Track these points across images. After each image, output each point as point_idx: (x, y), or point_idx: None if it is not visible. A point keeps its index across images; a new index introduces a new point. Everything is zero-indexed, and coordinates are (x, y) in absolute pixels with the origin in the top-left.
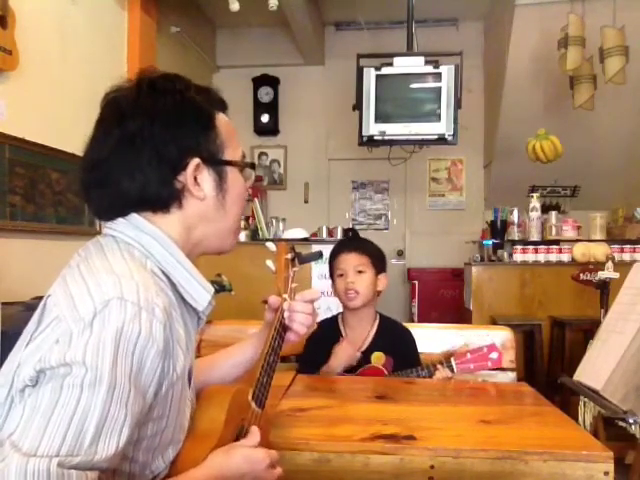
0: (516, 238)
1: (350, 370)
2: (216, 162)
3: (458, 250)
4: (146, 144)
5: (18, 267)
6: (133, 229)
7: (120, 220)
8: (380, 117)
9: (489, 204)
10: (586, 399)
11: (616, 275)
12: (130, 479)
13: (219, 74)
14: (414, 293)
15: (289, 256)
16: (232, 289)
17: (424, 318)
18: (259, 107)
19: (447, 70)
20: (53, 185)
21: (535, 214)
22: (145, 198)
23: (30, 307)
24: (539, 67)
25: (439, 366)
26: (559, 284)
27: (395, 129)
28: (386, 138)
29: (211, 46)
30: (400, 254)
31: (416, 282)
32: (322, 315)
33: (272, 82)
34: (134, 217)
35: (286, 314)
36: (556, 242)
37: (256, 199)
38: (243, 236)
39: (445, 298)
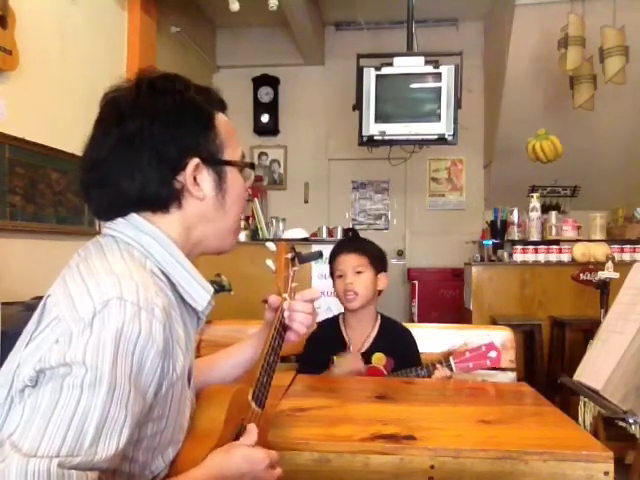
0: (516, 238)
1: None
2: (216, 162)
3: (458, 250)
4: (145, 144)
5: (18, 267)
6: (133, 229)
7: (120, 220)
8: (380, 117)
9: (489, 204)
10: (586, 399)
11: (616, 275)
12: (130, 479)
13: (219, 74)
14: (414, 293)
15: (289, 256)
16: (232, 289)
17: (424, 318)
18: (259, 107)
19: (447, 70)
20: (53, 185)
21: (535, 214)
22: (144, 198)
23: (30, 307)
24: (539, 67)
25: (438, 365)
26: (559, 284)
27: (395, 129)
28: (386, 138)
29: (211, 46)
30: (400, 254)
31: (416, 282)
32: (322, 315)
33: (272, 82)
34: (134, 217)
35: (286, 314)
36: (556, 242)
37: (256, 199)
38: (243, 236)
39: (445, 298)
